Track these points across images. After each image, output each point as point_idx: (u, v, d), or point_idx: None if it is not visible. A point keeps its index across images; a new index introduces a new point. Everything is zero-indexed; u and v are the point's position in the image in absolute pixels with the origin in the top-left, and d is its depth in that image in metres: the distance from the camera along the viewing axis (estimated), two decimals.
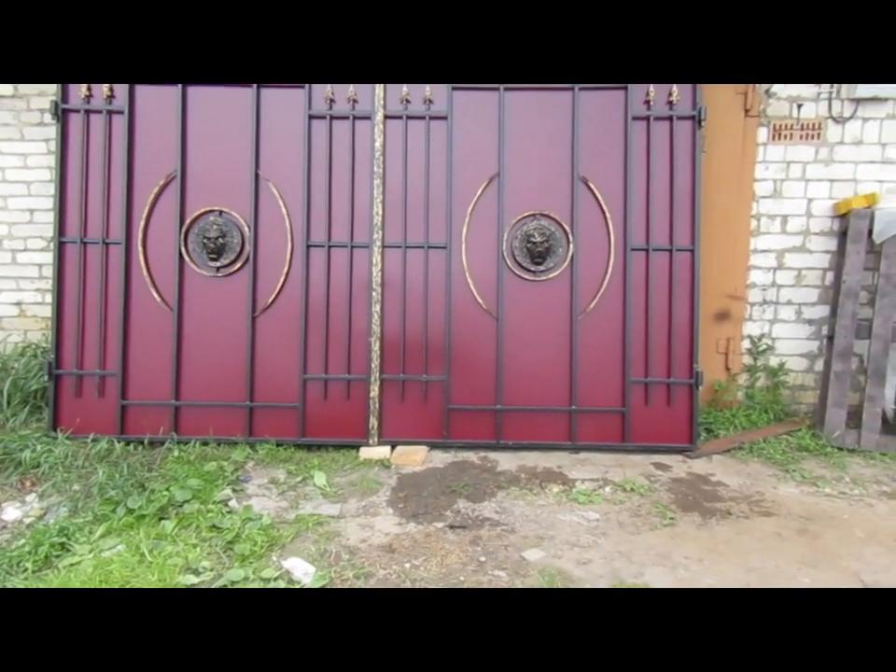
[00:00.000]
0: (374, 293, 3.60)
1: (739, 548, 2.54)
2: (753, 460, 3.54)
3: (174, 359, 3.62)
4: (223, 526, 2.61)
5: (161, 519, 2.69)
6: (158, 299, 3.63)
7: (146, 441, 3.55)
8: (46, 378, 3.67)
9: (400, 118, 3.63)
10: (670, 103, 3.59)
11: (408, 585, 2.24)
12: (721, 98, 3.84)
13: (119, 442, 3.47)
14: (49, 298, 4.07)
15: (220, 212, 3.66)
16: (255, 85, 3.60)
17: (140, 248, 3.63)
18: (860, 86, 3.77)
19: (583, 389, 3.61)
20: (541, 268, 3.63)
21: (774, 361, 4.10)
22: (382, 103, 3.61)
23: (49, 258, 4.01)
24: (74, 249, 3.64)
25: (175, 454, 3.42)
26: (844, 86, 3.87)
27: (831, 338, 3.85)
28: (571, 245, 3.60)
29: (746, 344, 4.12)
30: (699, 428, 3.71)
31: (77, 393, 3.64)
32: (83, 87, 3.61)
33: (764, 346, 4.09)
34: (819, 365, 4.09)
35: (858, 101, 3.86)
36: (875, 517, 2.85)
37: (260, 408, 3.63)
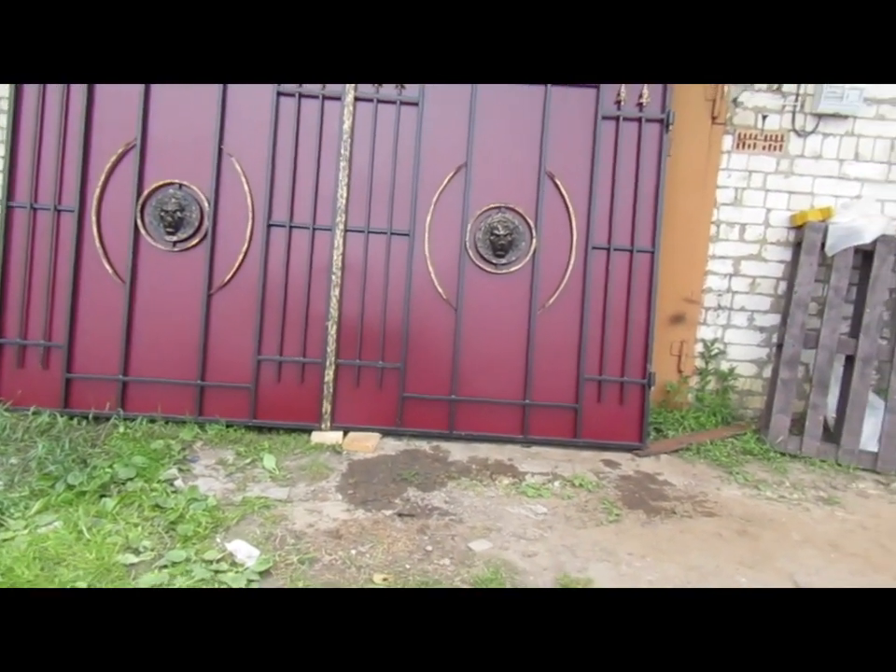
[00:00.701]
0: (334, 277, 3.56)
1: (681, 546, 2.59)
2: (700, 461, 3.62)
3: (123, 333, 3.52)
4: (167, 506, 2.56)
5: (102, 496, 2.62)
6: (110, 270, 3.53)
7: (90, 417, 3.45)
8: None
9: (371, 100, 3.58)
10: (640, 104, 3.62)
11: (353, 571, 2.22)
12: (689, 103, 3.89)
13: (62, 416, 3.37)
14: None
15: (180, 185, 3.56)
16: None
17: (94, 217, 3.52)
18: (822, 101, 3.86)
19: (538, 384, 3.63)
20: (503, 261, 3.63)
21: (725, 366, 4.20)
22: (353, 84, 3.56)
23: None
24: (23, 214, 3.51)
25: (121, 430, 3.33)
26: (808, 100, 3.95)
27: (780, 346, 3.95)
28: (534, 240, 3.62)
29: (699, 348, 4.20)
30: (649, 428, 3.77)
31: (19, 363, 3.52)
32: None
33: (717, 351, 4.18)
34: (768, 372, 4.20)
35: (820, 116, 3.96)
36: (811, 521, 2.95)
37: (212, 387, 3.56)
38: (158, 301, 3.56)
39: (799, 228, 3.98)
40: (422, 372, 3.63)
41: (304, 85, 3.55)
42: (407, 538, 2.49)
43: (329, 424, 3.56)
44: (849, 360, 3.86)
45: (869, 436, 3.82)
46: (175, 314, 3.56)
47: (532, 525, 2.69)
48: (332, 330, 3.56)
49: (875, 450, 3.76)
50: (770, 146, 4.02)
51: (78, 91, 3.50)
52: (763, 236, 4.11)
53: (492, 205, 3.62)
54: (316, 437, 3.49)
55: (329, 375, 3.57)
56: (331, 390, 3.57)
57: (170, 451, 3.14)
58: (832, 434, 3.92)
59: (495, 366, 3.64)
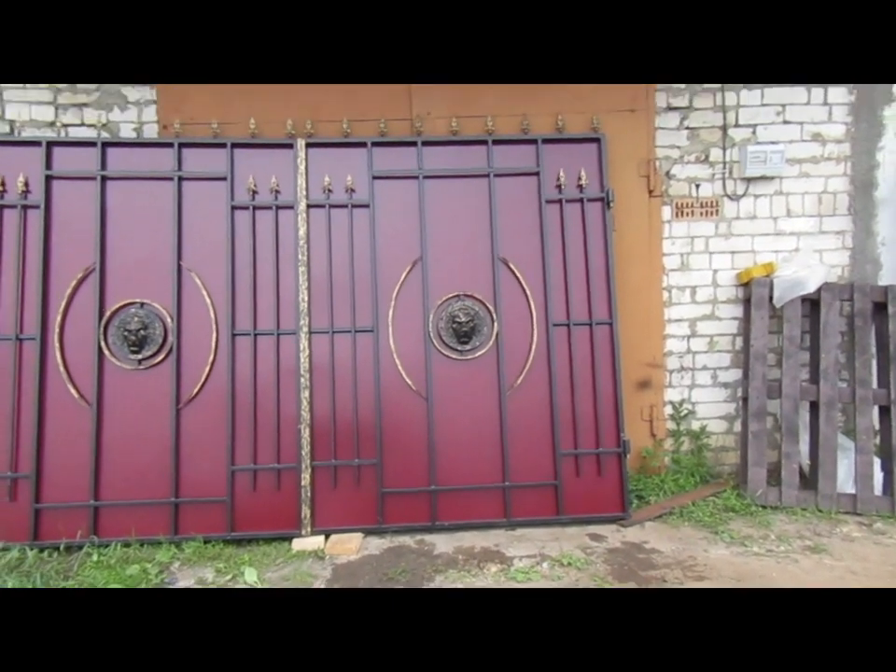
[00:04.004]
0: (303, 379, 3.58)
1: None
2: (684, 524, 3.62)
3: (92, 457, 3.46)
4: None
5: None
6: (76, 395, 3.50)
7: (62, 547, 3.34)
8: None
9: (323, 206, 3.71)
10: (580, 186, 3.81)
11: None
12: (626, 180, 4.11)
13: (31, 550, 3.26)
14: None
15: (142, 304, 3.60)
16: (176, 177, 3.63)
17: (57, 343, 3.52)
18: (748, 166, 4.11)
19: (516, 464, 3.64)
20: (468, 347, 3.70)
21: (696, 425, 4.26)
22: (304, 192, 3.69)
23: None
24: None
25: (95, 558, 3.23)
26: (735, 166, 4.21)
27: (745, 399, 4.05)
28: (496, 324, 3.71)
29: (668, 410, 4.27)
30: (630, 496, 3.78)
31: None
32: None
33: (685, 411, 4.25)
34: (738, 426, 4.28)
35: (748, 180, 4.20)
36: (801, 573, 2.95)
37: (186, 504, 3.49)
38: (126, 420, 3.53)
39: (746, 284, 4.15)
40: (399, 466, 3.61)
41: (257, 197, 3.67)
42: None
43: (309, 529, 3.50)
44: (814, 406, 3.97)
45: (845, 478, 3.88)
46: (144, 432, 3.52)
47: None
48: (305, 433, 3.55)
49: (853, 492, 3.82)
50: (707, 211, 4.23)
51: (35, 222, 3.57)
52: (714, 296, 4.27)
53: (451, 294, 3.72)
54: (297, 544, 3.41)
55: (305, 479, 3.53)
56: (309, 494, 3.53)
57: (146, 575, 3.04)
58: (808, 481, 3.97)
59: (471, 451, 3.65)
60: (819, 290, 3.97)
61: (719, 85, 4.17)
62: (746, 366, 4.08)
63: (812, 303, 4.06)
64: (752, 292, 4.02)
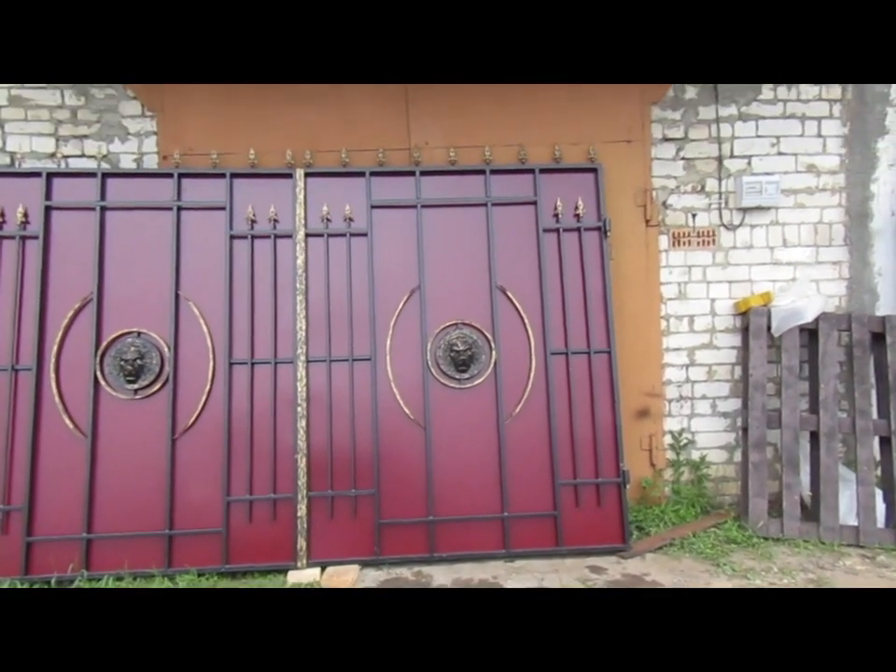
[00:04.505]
0: (300, 409, 3.55)
1: None
2: (685, 556, 3.57)
3: (86, 489, 3.42)
4: None
5: None
6: (70, 425, 3.47)
7: (52, 582, 3.29)
8: None
9: (322, 235, 3.73)
10: (577, 216, 3.83)
11: None
12: (623, 210, 4.13)
13: (22, 584, 3.21)
14: None
15: (139, 333, 3.59)
16: (176, 207, 3.65)
17: (52, 374, 3.50)
18: (744, 197, 4.13)
19: (514, 494, 3.60)
20: (466, 375, 3.69)
21: (695, 455, 4.23)
22: (303, 222, 3.70)
23: None
24: None
25: None
26: (731, 196, 4.23)
27: (745, 429, 4.02)
28: (494, 352, 3.70)
29: (668, 440, 4.24)
30: (631, 527, 3.74)
31: None
32: None
33: (685, 441, 4.22)
34: (738, 456, 4.24)
35: (745, 210, 4.23)
36: None
37: (181, 535, 3.44)
38: (121, 451, 3.50)
39: (744, 314, 4.15)
40: (397, 496, 3.57)
41: (255, 226, 3.69)
42: None
43: (305, 561, 3.45)
44: (814, 436, 3.94)
45: (847, 510, 3.84)
46: (139, 462, 3.49)
47: None
48: (302, 463, 3.52)
49: (856, 524, 3.77)
50: (703, 241, 4.25)
51: (33, 252, 3.57)
52: (712, 325, 4.27)
53: (449, 323, 3.72)
54: (293, 576, 3.35)
55: (301, 510, 3.49)
56: (305, 525, 3.48)
57: None
58: (810, 512, 3.92)
59: (469, 481, 3.61)
60: (816, 320, 3.97)
61: (713, 116, 4.23)
62: (745, 395, 4.06)
63: (810, 333, 4.06)
64: (750, 322, 4.02)
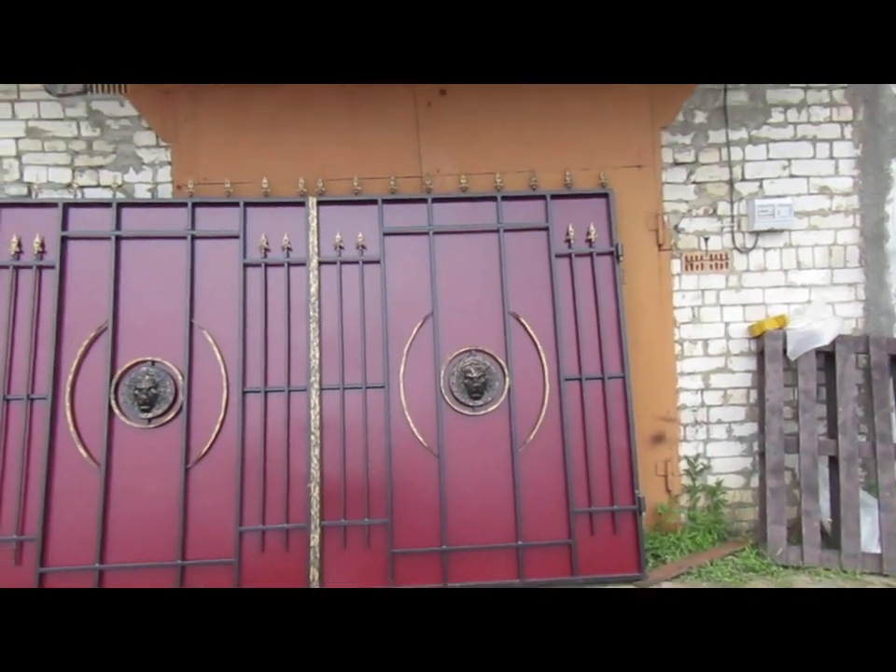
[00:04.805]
0: (313, 437, 3.55)
1: None
2: (703, 585, 3.51)
3: (99, 519, 3.42)
4: None
5: None
6: (85, 455, 3.48)
7: None
8: None
9: (335, 263, 3.74)
10: (589, 241, 3.82)
11: None
12: (635, 234, 4.12)
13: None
14: None
15: (153, 362, 3.60)
16: (190, 236, 3.68)
17: (67, 403, 3.51)
18: (756, 220, 4.11)
19: (529, 523, 3.56)
20: (480, 402, 3.67)
21: (711, 480, 4.17)
22: (316, 249, 3.72)
23: None
24: None
25: None
26: (743, 220, 4.22)
27: (762, 454, 3.97)
28: (507, 379, 3.68)
29: (683, 465, 4.19)
30: (646, 555, 3.68)
31: None
32: (13, 242, 3.60)
33: (701, 466, 4.17)
34: (755, 481, 4.18)
35: (757, 233, 4.21)
36: None
37: (193, 566, 3.43)
38: (134, 480, 3.50)
39: (758, 337, 4.12)
40: (409, 525, 3.54)
41: (269, 255, 3.71)
42: None
43: None
44: (833, 461, 3.88)
45: (869, 536, 3.77)
46: (152, 492, 3.49)
47: None
48: (315, 492, 3.50)
49: (878, 551, 3.70)
50: (716, 264, 4.23)
51: (50, 282, 3.60)
52: (727, 349, 4.23)
53: (463, 349, 3.71)
54: None
55: (314, 539, 3.46)
56: (318, 555, 3.46)
57: None
58: (831, 539, 3.85)
59: (483, 509, 3.58)
60: (833, 343, 3.93)
61: (723, 140, 4.23)
62: (761, 420, 4.02)
63: (827, 356, 4.01)
64: (766, 345, 3.99)
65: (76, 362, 3.56)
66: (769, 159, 4.27)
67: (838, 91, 4.27)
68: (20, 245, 3.63)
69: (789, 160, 4.27)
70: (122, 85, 4.01)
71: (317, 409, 3.58)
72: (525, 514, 3.56)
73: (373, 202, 3.82)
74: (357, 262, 3.75)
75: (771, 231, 4.21)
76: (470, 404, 3.67)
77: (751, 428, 4.21)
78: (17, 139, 4.06)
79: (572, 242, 3.82)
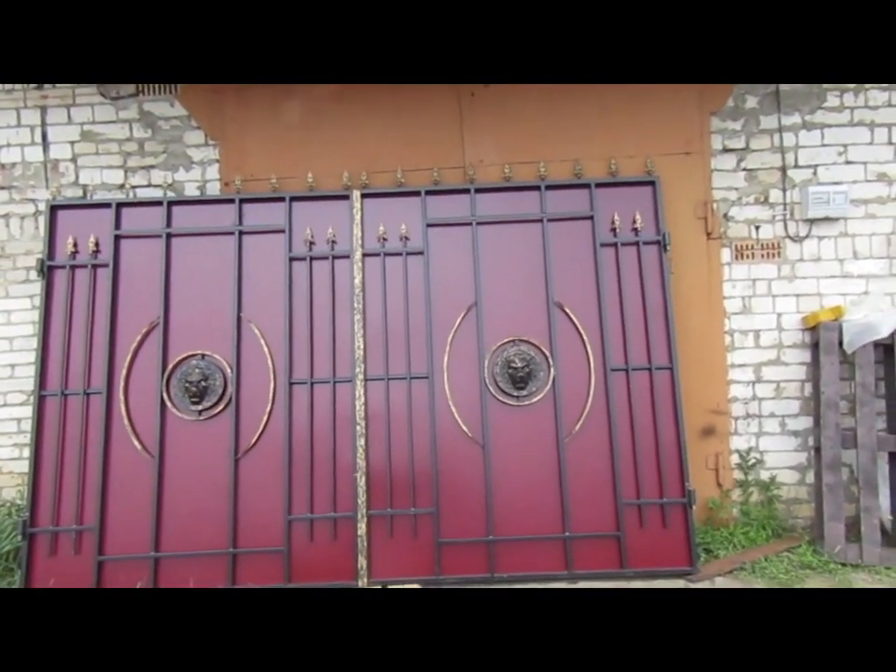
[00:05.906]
0: (359, 427, 3.57)
1: None
2: (757, 581, 3.41)
3: (154, 508, 3.51)
4: None
5: None
6: (139, 446, 3.57)
7: None
8: (20, 538, 3.52)
9: (378, 255, 3.76)
10: (635, 229, 3.77)
11: None
12: (682, 223, 4.03)
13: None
14: (26, 452, 3.96)
15: (203, 355, 3.68)
16: (237, 232, 3.75)
17: (122, 396, 3.61)
18: (810, 207, 3.99)
19: (576, 514, 3.52)
20: (524, 392, 3.64)
21: (764, 475, 4.06)
22: (360, 242, 3.75)
23: (28, 412, 3.89)
24: (54, 402, 3.63)
25: None
26: (796, 207, 4.10)
27: (818, 449, 3.84)
28: (552, 369, 3.65)
29: (735, 459, 4.08)
30: (698, 549, 3.60)
31: (51, 551, 3.50)
32: (69, 243, 3.72)
33: (753, 460, 4.06)
34: (811, 477, 4.05)
35: (811, 221, 4.08)
36: None
37: (244, 554, 3.49)
38: (186, 471, 3.58)
39: (813, 329, 3.99)
40: (455, 515, 3.54)
41: (314, 248, 3.75)
42: None
43: (366, 580, 3.44)
44: (893, 457, 3.73)
45: None
46: (203, 482, 3.56)
47: None
48: (361, 481, 3.53)
49: None
50: (768, 254, 4.12)
51: (104, 280, 3.72)
52: (779, 340, 4.11)
53: (506, 339, 3.69)
54: None
55: (361, 528, 3.49)
56: (366, 544, 3.48)
57: None
58: (891, 537, 3.70)
59: (529, 500, 3.55)
60: (892, 335, 3.77)
61: (776, 126, 4.11)
62: (817, 414, 3.88)
63: (885, 348, 3.85)
64: (820, 337, 3.85)
65: (129, 357, 3.66)
66: (824, 145, 4.13)
67: None
68: (75, 245, 3.75)
69: (845, 145, 4.13)
70: (173, 86, 4.12)
71: (362, 399, 3.60)
72: (572, 505, 3.52)
73: (417, 193, 3.83)
74: (400, 254, 3.77)
75: (826, 220, 4.08)
76: (515, 394, 3.64)
77: (806, 422, 4.08)
78: (72, 143, 4.20)
79: (617, 231, 3.77)
